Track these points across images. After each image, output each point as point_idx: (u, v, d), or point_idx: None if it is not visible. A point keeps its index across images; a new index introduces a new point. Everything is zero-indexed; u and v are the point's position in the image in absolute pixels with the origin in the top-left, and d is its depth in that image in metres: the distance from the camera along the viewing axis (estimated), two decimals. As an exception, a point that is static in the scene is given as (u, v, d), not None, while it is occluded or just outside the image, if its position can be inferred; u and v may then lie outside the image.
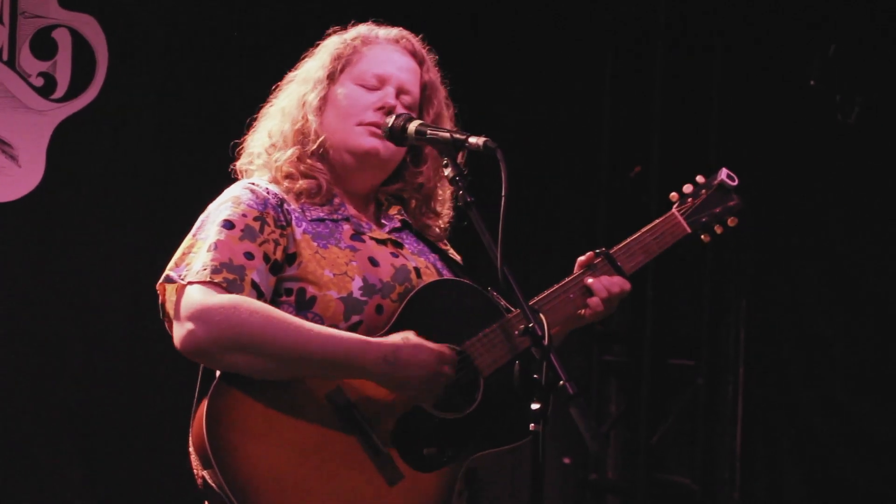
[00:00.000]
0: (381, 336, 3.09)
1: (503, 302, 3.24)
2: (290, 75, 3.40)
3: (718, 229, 3.51)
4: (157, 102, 5.56)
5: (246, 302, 3.02)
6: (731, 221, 3.51)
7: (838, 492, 6.07)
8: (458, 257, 3.45)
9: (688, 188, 3.51)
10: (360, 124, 3.25)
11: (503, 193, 2.89)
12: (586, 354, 6.55)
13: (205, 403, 3.01)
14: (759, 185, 6.21)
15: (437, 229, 3.42)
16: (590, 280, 3.31)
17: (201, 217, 3.20)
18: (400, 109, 3.26)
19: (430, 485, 3.10)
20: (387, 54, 3.32)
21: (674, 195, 3.51)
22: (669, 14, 6.39)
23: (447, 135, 3.13)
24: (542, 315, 2.91)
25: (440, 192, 3.39)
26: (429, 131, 3.17)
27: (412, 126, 3.20)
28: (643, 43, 6.44)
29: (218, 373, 3.07)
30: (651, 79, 6.41)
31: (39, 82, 5.44)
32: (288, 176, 3.24)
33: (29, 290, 5.37)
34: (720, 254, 6.35)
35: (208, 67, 5.60)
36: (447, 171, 3.09)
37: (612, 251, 3.37)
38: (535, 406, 2.76)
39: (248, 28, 5.66)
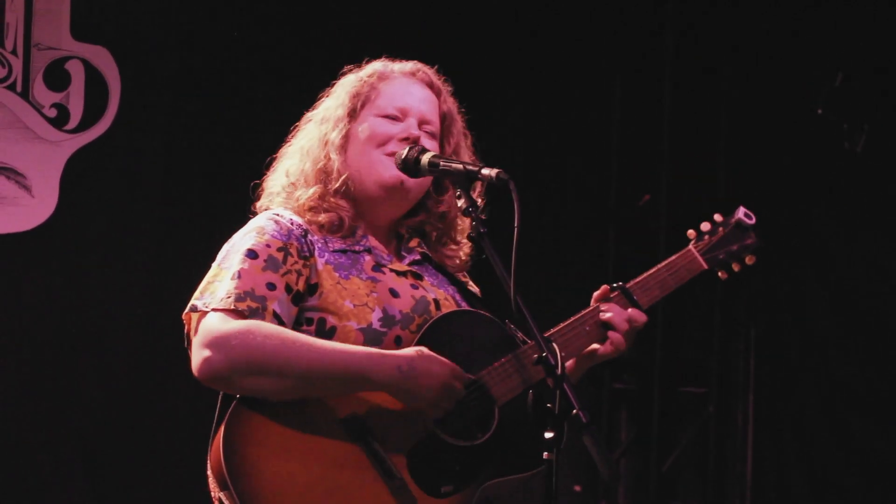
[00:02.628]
0: None
1: (520, 334, 3.25)
2: (308, 115, 3.42)
3: (736, 267, 3.57)
4: (170, 133, 5.58)
5: (260, 325, 3.05)
6: (749, 259, 3.57)
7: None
8: (476, 289, 3.47)
9: (705, 226, 3.56)
10: (386, 154, 3.28)
11: (515, 224, 2.92)
12: (597, 382, 6.55)
13: (223, 427, 3.04)
14: (768, 212, 6.21)
15: (458, 260, 3.43)
16: (608, 313, 3.32)
17: (225, 247, 3.23)
18: (424, 139, 3.29)
19: None
20: (405, 87, 3.35)
21: (691, 232, 3.56)
22: (678, 43, 6.42)
23: (460, 166, 3.15)
24: (555, 345, 2.93)
25: (460, 222, 3.41)
26: (441, 163, 3.19)
27: (425, 158, 3.21)
28: (652, 72, 6.47)
29: (237, 397, 3.09)
30: (660, 106, 6.43)
31: (53, 113, 5.47)
32: (310, 209, 3.27)
33: (42, 320, 5.39)
34: (730, 282, 6.34)
35: (221, 98, 5.62)
36: (460, 203, 3.11)
37: (627, 285, 3.38)
38: (548, 434, 2.79)
39: (262, 60, 5.69)
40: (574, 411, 2.77)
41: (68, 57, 5.49)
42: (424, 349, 3.10)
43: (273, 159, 3.42)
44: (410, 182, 3.28)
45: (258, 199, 3.40)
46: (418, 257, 3.37)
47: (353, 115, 3.32)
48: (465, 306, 3.34)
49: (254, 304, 3.08)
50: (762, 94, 6.23)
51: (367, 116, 3.32)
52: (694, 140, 6.43)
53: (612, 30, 6.44)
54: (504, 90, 6.19)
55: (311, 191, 3.28)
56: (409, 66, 3.40)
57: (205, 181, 5.57)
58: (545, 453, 2.78)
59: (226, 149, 5.56)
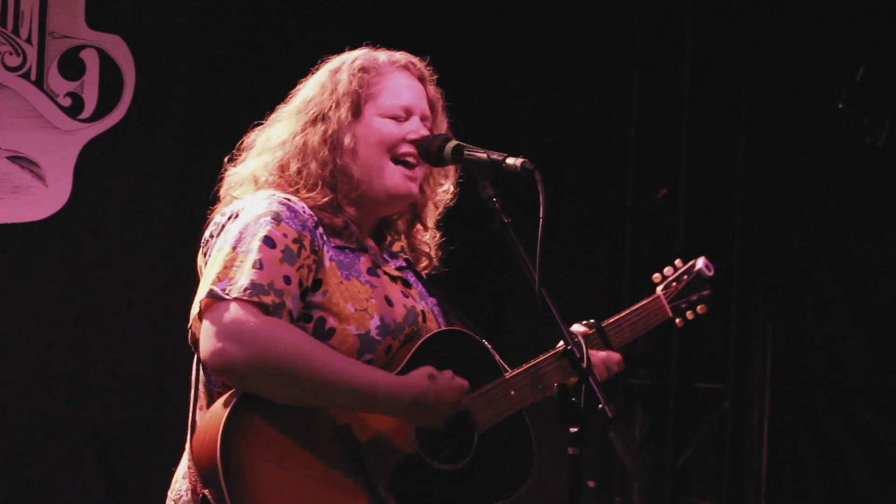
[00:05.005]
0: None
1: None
2: (291, 107, 3.32)
3: (690, 315, 3.69)
4: (184, 122, 5.58)
5: (287, 328, 2.95)
6: (700, 309, 3.70)
7: (865, 516, 6.05)
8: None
9: (668, 271, 3.69)
10: (396, 156, 3.19)
11: (541, 215, 2.88)
12: (612, 378, 6.51)
13: (213, 420, 2.95)
14: (786, 208, 6.20)
15: (429, 250, 3.35)
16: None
17: (235, 227, 3.08)
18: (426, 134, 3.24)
19: None
20: (404, 84, 3.24)
21: (656, 276, 3.69)
22: (697, 35, 6.38)
23: (484, 156, 3.08)
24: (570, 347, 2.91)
25: (433, 206, 3.32)
26: (466, 152, 3.13)
27: (449, 147, 3.16)
28: (670, 65, 6.43)
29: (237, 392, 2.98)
30: (678, 99, 6.40)
31: (67, 102, 5.46)
32: (321, 209, 3.15)
33: (55, 309, 5.38)
34: (747, 277, 6.33)
35: (235, 87, 5.61)
36: (484, 192, 3.06)
37: (603, 324, 3.48)
38: (572, 429, 2.76)
39: (276, 49, 5.67)
40: (600, 406, 2.75)
41: (83, 45, 5.47)
42: (435, 374, 3.04)
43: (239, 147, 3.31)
44: (416, 189, 3.21)
45: (227, 184, 3.30)
46: (404, 263, 3.31)
47: (357, 114, 3.19)
48: (441, 321, 3.29)
49: (277, 300, 2.95)
50: (782, 88, 6.20)
51: (370, 116, 3.20)
52: (712, 133, 6.39)
53: (630, 23, 6.41)
54: (521, 83, 6.16)
55: (328, 198, 3.16)
56: (401, 58, 3.28)
57: (219, 170, 5.53)
58: (569, 448, 2.75)
59: (241, 137, 5.53)
